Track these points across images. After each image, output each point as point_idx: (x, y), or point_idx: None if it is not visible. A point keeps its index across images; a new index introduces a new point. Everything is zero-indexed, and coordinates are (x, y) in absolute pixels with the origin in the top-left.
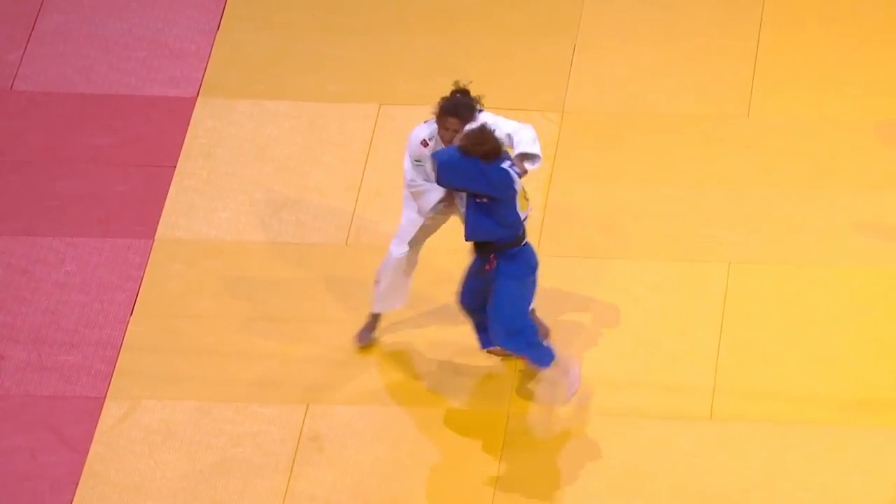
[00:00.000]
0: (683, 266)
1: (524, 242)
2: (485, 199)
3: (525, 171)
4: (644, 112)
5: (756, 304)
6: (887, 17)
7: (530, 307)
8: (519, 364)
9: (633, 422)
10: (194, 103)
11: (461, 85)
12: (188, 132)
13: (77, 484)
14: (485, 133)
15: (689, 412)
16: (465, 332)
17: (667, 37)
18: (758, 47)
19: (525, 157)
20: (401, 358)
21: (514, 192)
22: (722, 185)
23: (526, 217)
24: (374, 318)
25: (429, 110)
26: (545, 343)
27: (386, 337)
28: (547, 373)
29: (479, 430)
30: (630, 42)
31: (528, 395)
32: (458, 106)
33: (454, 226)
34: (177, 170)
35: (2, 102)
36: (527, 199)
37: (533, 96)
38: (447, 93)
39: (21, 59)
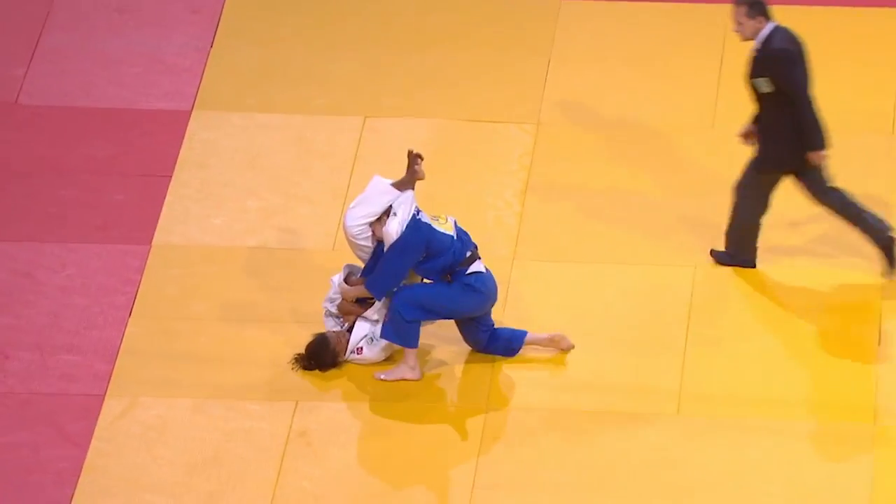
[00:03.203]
0: (652, 269)
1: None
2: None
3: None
4: (614, 124)
5: (720, 305)
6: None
7: (434, 314)
8: (497, 365)
9: (605, 418)
10: (189, 116)
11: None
12: (183, 144)
13: (78, 477)
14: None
15: (658, 409)
16: (446, 333)
17: (635, 54)
18: (722, 62)
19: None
20: (386, 360)
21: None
22: (687, 192)
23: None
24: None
25: (412, 122)
26: (414, 335)
27: None
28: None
29: (459, 426)
30: (601, 59)
31: (504, 394)
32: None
33: None
34: (172, 179)
35: (7, 115)
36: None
37: (510, 109)
38: (429, 106)
39: (25, 75)
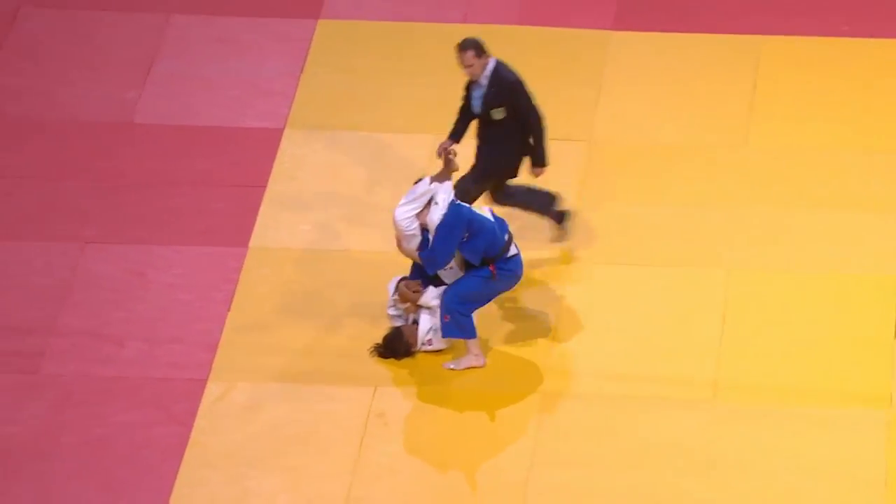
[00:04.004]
0: (691, 271)
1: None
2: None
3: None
4: (658, 141)
5: (752, 302)
6: (869, 63)
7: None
8: (552, 355)
9: (648, 403)
10: (281, 134)
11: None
12: (276, 158)
13: (183, 452)
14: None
15: (695, 396)
16: (506, 323)
17: (677, 79)
18: (755, 88)
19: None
20: (450, 348)
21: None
22: (722, 202)
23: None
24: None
25: (476, 141)
26: (471, 327)
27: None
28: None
29: (519, 408)
30: (646, 83)
31: (559, 381)
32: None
33: None
34: (266, 190)
35: (123, 133)
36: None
37: (565, 128)
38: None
39: (139, 97)
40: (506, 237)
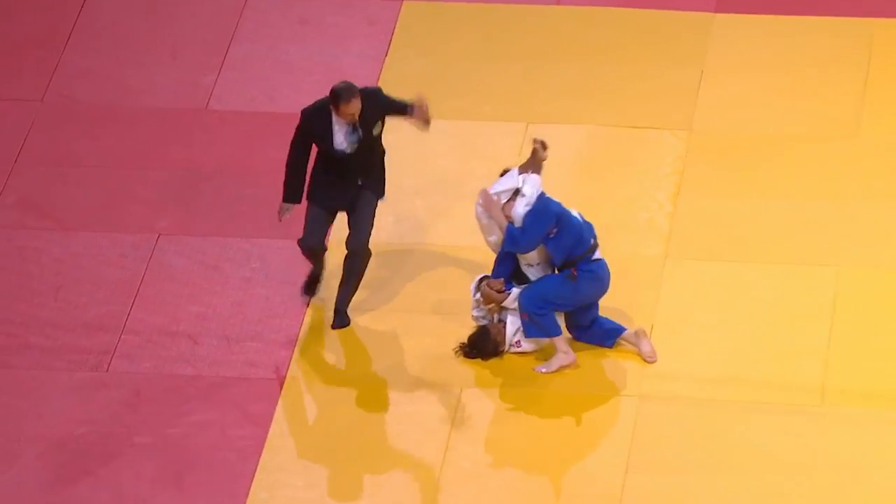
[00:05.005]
0: (797, 269)
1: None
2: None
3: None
4: (763, 131)
5: (863, 303)
6: None
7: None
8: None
9: (750, 407)
10: None
11: None
12: None
13: (260, 454)
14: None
15: (801, 400)
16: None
17: (784, 65)
18: (867, 75)
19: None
20: (540, 351)
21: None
22: (831, 196)
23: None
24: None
25: (571, 128)
26: (553, 324)
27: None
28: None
29: (612, 413)
30: (751, 69)
31: (654, 383)
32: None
33: None
34: None
35: (199, 119)
36: None
37: (664, 116)
38: (587, 113)
39: (215, 82)
40: (592, 241)
